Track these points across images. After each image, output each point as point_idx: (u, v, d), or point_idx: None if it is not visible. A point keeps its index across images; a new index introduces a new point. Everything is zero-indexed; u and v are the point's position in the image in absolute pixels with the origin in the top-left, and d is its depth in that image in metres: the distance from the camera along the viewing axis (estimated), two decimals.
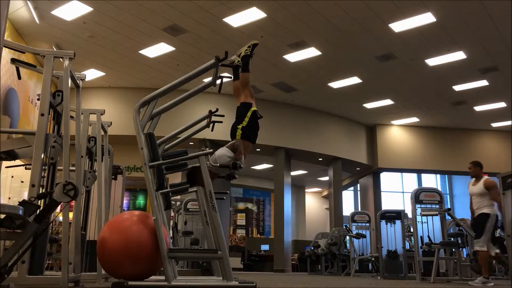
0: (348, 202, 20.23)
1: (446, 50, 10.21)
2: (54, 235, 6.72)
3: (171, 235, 7.56)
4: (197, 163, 3.19)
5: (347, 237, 10.82)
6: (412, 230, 8.34)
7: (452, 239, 7.05)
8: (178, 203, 8.52)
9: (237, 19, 8.93)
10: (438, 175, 19.94)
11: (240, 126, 3.62)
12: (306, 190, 21.67)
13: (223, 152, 3.42)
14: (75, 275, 3.24)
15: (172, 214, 9.20)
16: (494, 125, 15.15)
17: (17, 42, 8.08)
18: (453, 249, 6.77)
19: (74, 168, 3.54)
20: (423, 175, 19.38)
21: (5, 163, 3.66)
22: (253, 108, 3.70)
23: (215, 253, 2.99)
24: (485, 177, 6.08)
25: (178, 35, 9.57)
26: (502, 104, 13.34)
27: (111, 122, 4.94)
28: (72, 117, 3.57)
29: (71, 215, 3.69)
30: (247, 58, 3.85)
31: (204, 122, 4.35)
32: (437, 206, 7.15)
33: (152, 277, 3.22)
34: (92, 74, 11.26)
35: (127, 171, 11.14)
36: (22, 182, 8.63)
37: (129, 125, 4.13)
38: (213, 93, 10.76)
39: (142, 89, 11.57)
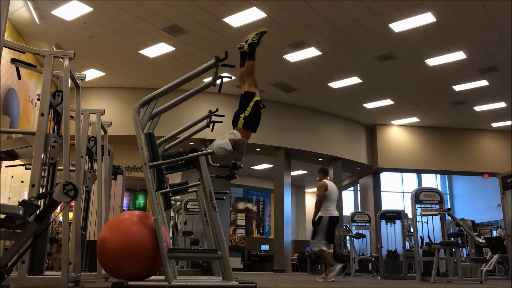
0: (348, 202, 20.23)
1: (446, 50, 10.21)
2: (54, 235, 6.73)
3: (171, 235, 7.56)
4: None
5: (347, 237, 10.82)
6: (412, 230, 8.34)
7: (452, 239, 7.05)
8: (178, 203, 8.52)
9: (237, 19, 8.92)
10: (438, 175, 19.97)
11: (242, 115, 3.61)
12: (306, 190, 21.66)
13: (222, 143, 3.39)
14: (75, 275, 3.24)
15: (172, 214, 9.19)
16: (494, 125, 15.15)
17: (17, 42, 8.08)
18: (453, 249, 6.77)
19: (74, 168, 3.54)
20: (423, 175, 19.40)
21: (5, 163, 3.66)
22: (256, 98, 3.68)
23: (215, 253, 2.99)
24: (323, 181, 6.55)
25: (178, 35, 9.57)
26: (502, 104, 13.34)
27: (111, 122, 4.94)
28: (72, 117, 3.57)
29: (71, 215, 3.68)
30: (254, 46, 3.83)
31: (204, 122, 4.35)
32: (437, 206, 7.15)
33: (152, 277, 3.22)
34: (92, 74, 11.26)
35: (127, 171, 11.14)
36: (22, 182, 8.63)
37: (129, 125, 4.12)
38: (213, 93, 10.76)
39: (142, 89, 11.57)
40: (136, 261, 2.86)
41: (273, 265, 12.99)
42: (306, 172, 18.21)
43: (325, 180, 6.61)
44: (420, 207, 7.13)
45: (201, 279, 4.24)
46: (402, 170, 17.18)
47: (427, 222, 7.34)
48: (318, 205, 6.41)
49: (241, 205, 19.93)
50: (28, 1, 8.23)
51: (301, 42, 9.92)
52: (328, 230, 6.23)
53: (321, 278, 6.31)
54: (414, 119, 14.96)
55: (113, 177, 5.87)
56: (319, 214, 6.35)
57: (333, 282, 5.83)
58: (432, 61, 10.72)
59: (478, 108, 13.73)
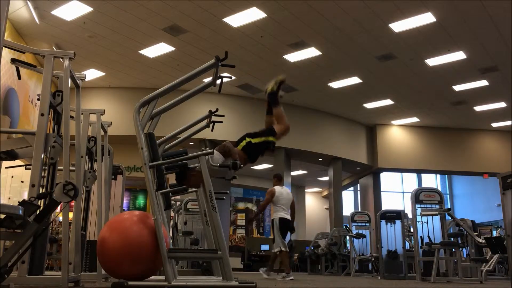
0: (348, 202, 20.23)
1: (446, 50, 10.22)
2: (54, 235, 6.72)
3: (171, 235, 7.55)
4: (192, 164, 3.19)
5: (347, 237, 10.82)
6: (412, 230, 8.34)
7: (452, 239, 7.04)
8: (178, 203, 8.52)
9: (237, 19, 8.93)
10: (438, 175, 19.96)
11: (249, 139, 3.59)
12: (306, 190, 21.66)
13: (215, 157, 3.38)
14: (75, 275, 3.24)
15: (172, 214, 9.19)
16: (494, 125, 15.15)
17: (17, 42, 8.08)
18: (453, 249, 6.77)
19: (74, 168, 3.54)
20: (423, 175, 19.40)
21: (5, 163, 3.66)
22: (273, 139, 3.65)
23: (215, 253, 2.99)
24: (273, 187, 6.89)
25: (178, 35, 9.57)
26: (502, 104, 13.35)
27: (111, 122, 4.93)
28: (72, 117, 3.57)
29: (71, 215, 3.68)
30: (274, 94, 3.83)
31: (204, 122, 4.34)
32: (437, 206, 7.15)
33: (152, 277, 3.22)
34: (92, 74, 11.26)
35: (127, 171, 11.14)
36: (22, 182, 8.63)
37: (129, 125, 4.12)
38: (213, 93, 10.76)
39: (142, 89, 11.57)
40: (136, 261, 2.86)
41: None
42: (306, 172, 18.22)
43: (276, 187, 6.92)
44: (420, 207, 7.12)
45: (201, 279, 4.24)
46: (402, 170, 17.19)
47: (427, 222, 7.33)
48: (260, 209, 7.35)
49: (241, 205, 19.91)
50: (28, 1, 8.23)
51: (301, 42, 9.91)
52: (280, 229, 6.59)
53: (281, 277, 6.60)
54: (414, 119, 14.96)
55: (113, 177, 5.87)
56: (271, 217, 6.75)
57: (293, 280, 6.10)
58: (432, 61, 10.73)
59: (478, 108, 13.74)
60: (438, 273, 6.68)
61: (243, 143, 3.57)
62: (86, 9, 8.55)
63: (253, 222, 18.01)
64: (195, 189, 3.69)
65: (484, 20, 8.90)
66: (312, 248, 11.90)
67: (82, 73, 3.82)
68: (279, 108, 3.81)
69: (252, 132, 3.66)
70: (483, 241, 7.49)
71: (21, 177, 8.39)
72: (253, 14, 8.75)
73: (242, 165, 3.25)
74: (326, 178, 17.02)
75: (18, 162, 3.81)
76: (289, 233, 6.90)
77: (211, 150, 3.14)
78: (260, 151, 3.64)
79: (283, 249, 6.51)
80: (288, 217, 6.73)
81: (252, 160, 3.62)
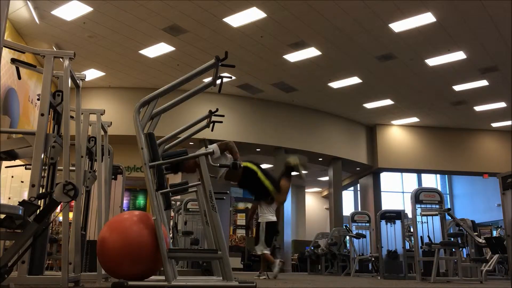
0: (348, 202, 20.23)
1: (446, 50, 10.22)
2: (54, 235, 6.72)
3: (171, 235, 7.55)
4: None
5: (347, 237, 10.82)
6: (412, 230, 8.34)
7: (452, 239, 7.04)
8: (178, 203, 8.52)
9: (237, 19, 8.93)
10: (438, 175, 19.97)
11: (258, 170, 3.59)
12: (306, 190, 21.67)
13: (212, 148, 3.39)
14: (75, 275, 3.24)
15: (172, 214, 9.19)
16: (494, 125, 15.15)
17: (17, 42, 8.07)
18: (453, 249, 6.76)
19: (74, 168, 3.54)
20: (423, 175, 19.41)
21: (5, 163, 3.66)
22: (273, 191, 3.69)
23: (215, 253, 2.99)
24: None
25: (178, 35, 9.57)
26: (502, 104, 13.35)
27: (111, 122, 4.93)
28: (72, 117, 3.57)
29: (71, 215, 3.68)
30: (293, 170, 4.19)
31: (204, 122, 4.35)
32: (437, 206, 7.14)
33: (152, 277, 3.22)
34: (92, 74, 11.27)
35: (127, 171, 11.14)
36: (22, 182, 8.63)
37: (129, 125, 4.12)
38: (213, 93, 10.77)
39: (142, 89, 11.58)
40: (136, 261, 2.86)
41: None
42: (306, 172, 18.20)
43: None
44: (420, 207, 7.12)
45: (201, 279, 4.24)
46: (402, 170, 17.19)
47: (427, 222, 7.33)
48: (252, 213, 7.33)
49: (241, 205, 19.90)
50: (28, 1, 8.23)
51: (301, 42, 9.92)
52: (267, 233, 6.63)
53: (262, 276, 6.77)
54: (414, 119, 14.96)
55: (113, 177, 5.87)
56: (258, 220, 6.80)
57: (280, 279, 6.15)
58: (432, 61, 10.73)
59: (478, 108, 13.74)
60: (438, 273, 6.68)
61: (251, 165, 3.57)
62: (86, 9, 8.56)
63: (253, 222, 18.00)
64: (194, 189, 3.69)
65: (484, 20, 8.90)
66: (312, 248, 11.90)
67: (82, 73, 3.82)
68: (287, 182, 3.90)
69: (265, 170, 3.69)
70: (483, 241, 7.49)
71: (21, 177, 8.39)
72: (253, 14, 8.76)
73: (242, 165, 3.25)
74: (326, 178, 17.02)
75: (18, 162, 3.81)
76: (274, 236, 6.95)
77: (211, 150, 3.14)
78: (255, 188, 3.66)
79: (265, 251, 6.60)
80: (274, 218, 6.77)
81: (242, 185, 3.63)
